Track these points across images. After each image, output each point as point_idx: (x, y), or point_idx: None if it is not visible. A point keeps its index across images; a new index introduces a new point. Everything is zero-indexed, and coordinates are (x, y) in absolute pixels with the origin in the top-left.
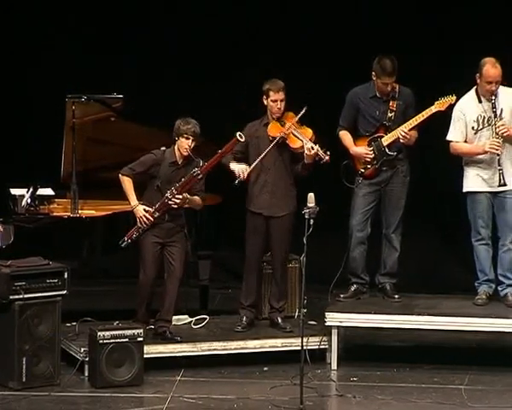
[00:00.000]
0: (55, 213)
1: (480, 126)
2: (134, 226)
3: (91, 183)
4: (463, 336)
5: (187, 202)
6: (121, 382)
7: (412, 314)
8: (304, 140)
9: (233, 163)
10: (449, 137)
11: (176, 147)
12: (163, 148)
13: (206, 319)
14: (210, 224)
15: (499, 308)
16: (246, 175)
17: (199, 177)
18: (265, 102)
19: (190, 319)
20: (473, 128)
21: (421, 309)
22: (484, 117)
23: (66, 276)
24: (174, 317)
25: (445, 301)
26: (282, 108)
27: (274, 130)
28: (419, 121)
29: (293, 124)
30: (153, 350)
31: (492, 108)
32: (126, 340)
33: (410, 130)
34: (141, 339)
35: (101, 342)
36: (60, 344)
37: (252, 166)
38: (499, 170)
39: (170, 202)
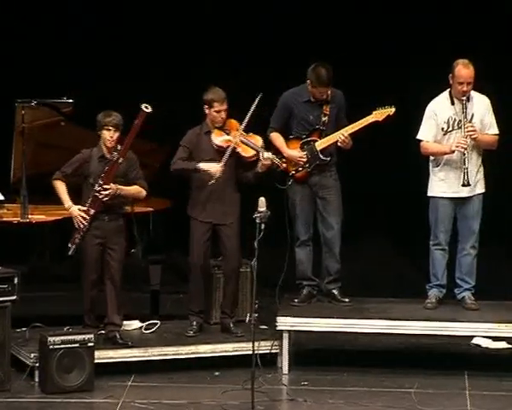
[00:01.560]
0: (4, 219)
1: (450, 128)
2: (74, 231)
3: (42, 188)
4: (413, 340)
5: (118, 192)
6: (72, 387)
7: (363, 318)
8: (258, 149)
9: (203, 163)
10: (419, 136)
11: (102, 141)
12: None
13: (157, 324)
14: (160, 228)
15: (449, 312)
16: (220, 172)
17: (119, 161)
18: (207, 112)
19: (141, 324)
20: (442, 129)
21: (371, 313)
22: (455, 119)
23: (15, 281)
24: (125, 322)
25: (395, 304)
26: (225, 118)
27: (220, 139)
28: (356, 129)
29: (240, 132)
30: (103, 355)
31: (463, 108)
32: (77, 345)
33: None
34: (91, 344)
35: (51, 347)
36: (10, 350)
37: (221, 164)
38: (464, 169)
39: (100, 196)
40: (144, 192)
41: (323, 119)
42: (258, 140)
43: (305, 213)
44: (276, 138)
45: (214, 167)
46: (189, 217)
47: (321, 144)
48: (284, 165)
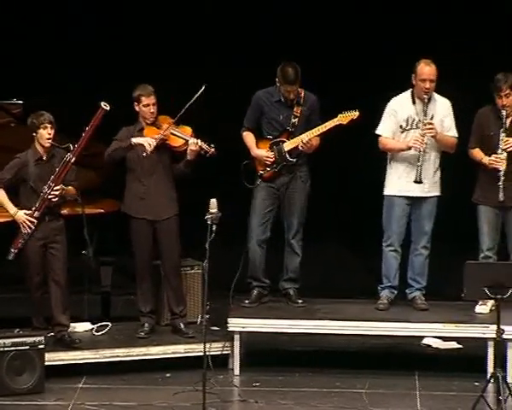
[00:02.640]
0: None
1: (409, 127)
2: (18, 235)
3: None
4: (365, 341)
5: (63, 192)
6: (22, 390)
7: (314, 319)
8: (186, 137)
9: (134, 138)
10: (378, 131)
11: (36, 143)
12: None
13: (108, 325)
14: (111, 230)
15: (400, 313)
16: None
17: (72, 161)
18: (137, 109)
19: (92, 326)
20: (401, 127)
21: (323, 314)
22: (414, 119)
23: None
24: (75, 324)
25: (347, 305)
26: (155, 112)
27: (151, 134)
28: (321, 131)
29: (170, 125)
30: (54, 357)
31: (424, 108)
32: (27, 348)
33: (312, 138)
34: (42, 346)
35: (1, 349)
36: None
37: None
38: (419, 166)
39: (50, 197)
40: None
41: (293, 120)
42: (187, 130)
43: (265, 214)
44: (247, 137)
45: (146, 141)
46: (127, 216)
47: (289, 145)
48: (212, 150)
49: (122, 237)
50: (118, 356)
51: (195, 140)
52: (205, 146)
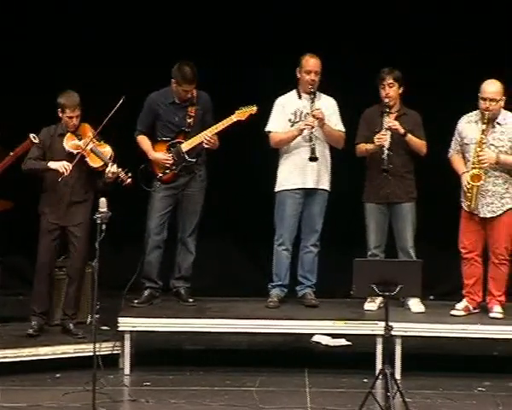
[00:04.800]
0: None
1: (297, 119)
2: None
3: None
4: (255, 339)
5: None
6: None
7: (205, 318)
8: (105, 160)
9: (52, 162)
10: (268, 128)
11: None
12: None
13: None
14: (1, 229)
15: (290, 310)
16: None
17: None
18: (60, 115)
19: None
20: (290, 120)
21: (213, 312)
22: (302, 111)
23: None
24: None
25: (237, 303)
26: (78, 123)
27: (71, 144)
28: (219, 129)
29: (91, 140)
30: None
31: (311, 100)
32: None
33: (211, 136)
34: None
35: None
36: None
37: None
38: (312, 145)
39: None
40: None
41: (189, 120)
42: (107, 152)
43: (162, 215)
44: (143, 141)
45: (62, 167)
46: (38, 215)
47: (186, 146)
48: (129, 181)
49: (12, 237)
50: (6, 357)
51: (114, 168)
52: (122, 175)
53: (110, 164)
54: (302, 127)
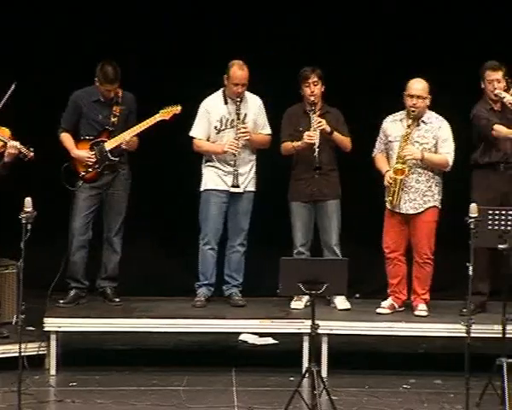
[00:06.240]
0: None
1: (223, 127)
2: None
3: None
4: (182, 338)
5: None
6: None
7: (131, 318)
8: (4, 139)
9: None
10: (192, 134)
11: None
12: None
13: None
14: None
15: (217, 309)
16: None
17: None
18: None
19: None
20: (216, 128)
21: (139, 312)
22: (228, 119)
23: None
24: None
25: (164, 303)
26: None
27: None
28: (143, 128)
29: None
30: None
31: (236, 110)
32: None
33: (133, 136)
34: None
35: None
36: None
37: None
38: (235, 171)
39: None
40: None
41: (113, 119)
42: (5, 131)
43: (87, 215)
44: (66, 139)
45: None
46: None
47: (110, 144)
48: (32, 154)
49: None
50: None
51: (14, 143)
52: (24, 149)
53: (9, 141)
54: (226, 149)
